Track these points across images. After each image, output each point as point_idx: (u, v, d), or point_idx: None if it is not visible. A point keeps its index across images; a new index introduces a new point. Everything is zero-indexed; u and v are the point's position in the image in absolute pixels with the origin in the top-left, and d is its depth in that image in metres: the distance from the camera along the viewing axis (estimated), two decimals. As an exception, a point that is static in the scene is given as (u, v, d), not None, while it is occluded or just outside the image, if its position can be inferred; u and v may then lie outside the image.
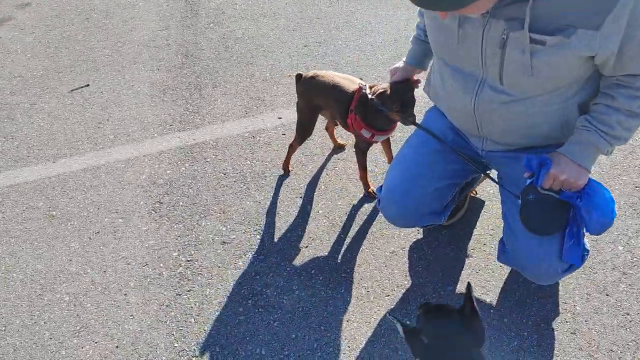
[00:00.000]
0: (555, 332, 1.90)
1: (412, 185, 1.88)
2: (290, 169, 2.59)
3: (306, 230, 2.32)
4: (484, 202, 2.37)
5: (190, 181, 2.59)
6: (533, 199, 1.61)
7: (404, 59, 2.02)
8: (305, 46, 3.43)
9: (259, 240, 2.29)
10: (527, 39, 1.45)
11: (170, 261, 2.24)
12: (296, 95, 2.36)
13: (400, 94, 1.96)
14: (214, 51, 3.46)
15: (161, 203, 2.49)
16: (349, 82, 2.21)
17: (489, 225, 2.27)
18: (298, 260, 2.20)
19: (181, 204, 2.48)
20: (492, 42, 1.52)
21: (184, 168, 2.66)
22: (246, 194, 2.50)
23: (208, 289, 2.13)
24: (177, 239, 2.33)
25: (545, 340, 1.88)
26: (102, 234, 2.37)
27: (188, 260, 2.24)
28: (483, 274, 2.09)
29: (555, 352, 1.85)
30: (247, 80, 3.20)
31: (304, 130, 2.41)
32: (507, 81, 1.57)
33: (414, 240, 2.24)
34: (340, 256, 2.21)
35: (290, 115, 2.90)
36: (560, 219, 1.63)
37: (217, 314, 2.05)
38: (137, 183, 2.60)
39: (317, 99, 2.29)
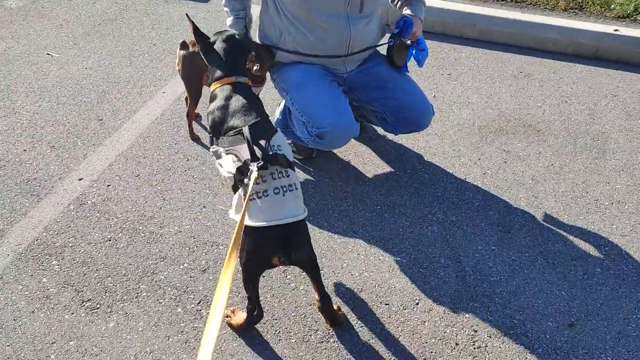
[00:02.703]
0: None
1: (341, 111, 2.33)
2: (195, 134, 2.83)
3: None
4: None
5: (80, 277, 2.15)
6: (396, 44, 2.39)
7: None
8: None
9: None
10: None
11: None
12: (182, 62, 2.54)
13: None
14: None
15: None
16: None
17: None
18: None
19: (106, 297, 2.10)
20: None
21: (44, 274, 2.16)
22: (155, 239, 2.30)
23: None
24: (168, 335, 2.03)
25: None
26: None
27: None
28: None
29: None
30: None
31: (196, 93, 2.67)
32: (365, 8, 2.27)
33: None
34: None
35: (88, 167, 2.62)
36: (406, 56, 2.46)
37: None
38: None
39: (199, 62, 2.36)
